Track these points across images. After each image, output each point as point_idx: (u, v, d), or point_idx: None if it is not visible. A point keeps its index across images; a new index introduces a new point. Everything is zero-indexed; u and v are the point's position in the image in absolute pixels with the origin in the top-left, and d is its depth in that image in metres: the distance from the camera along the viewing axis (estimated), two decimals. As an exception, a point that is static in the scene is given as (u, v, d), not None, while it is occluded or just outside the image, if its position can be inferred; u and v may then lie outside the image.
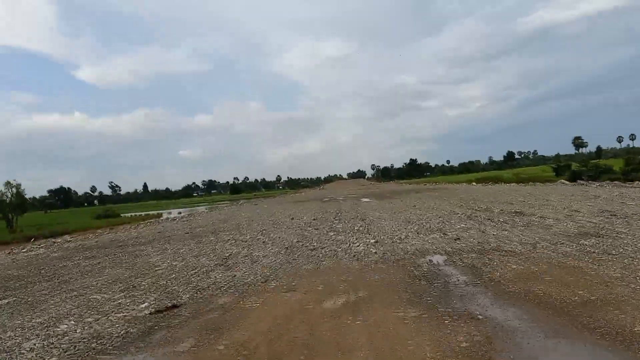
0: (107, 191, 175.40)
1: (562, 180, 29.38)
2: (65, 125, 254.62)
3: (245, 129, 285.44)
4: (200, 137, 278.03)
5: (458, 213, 13.29)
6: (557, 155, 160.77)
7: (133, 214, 47.98)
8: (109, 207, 58.06)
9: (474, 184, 37.56)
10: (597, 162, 37.50)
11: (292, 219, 16.15)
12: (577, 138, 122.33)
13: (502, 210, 13.16)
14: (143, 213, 47.33)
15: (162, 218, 30.80)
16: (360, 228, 11.75)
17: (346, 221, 13.83)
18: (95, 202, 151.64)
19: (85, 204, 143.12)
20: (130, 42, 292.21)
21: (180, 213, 36.85)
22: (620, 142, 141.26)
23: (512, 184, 31.41)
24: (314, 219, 15.23)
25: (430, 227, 10.89)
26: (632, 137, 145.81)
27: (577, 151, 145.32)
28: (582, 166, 34.22)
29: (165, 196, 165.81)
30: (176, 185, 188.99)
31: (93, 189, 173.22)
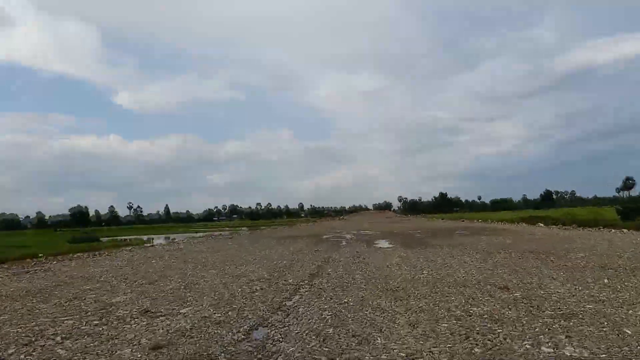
0: (126, 212, 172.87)
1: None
2: (100, 147, 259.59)
3: (274, 157, 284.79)
4: (229, 163, 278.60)
5: None
6: (595, 197, 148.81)
7: (122, 238, 41.53)
8: (93, 229, 52.09)
9: (540, 224, 28.96)
10: None
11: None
12: (629, 179, 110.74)
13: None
14: (133, 237, 40.81)
15: (128, 248, 23.76)
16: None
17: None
18: (103, 224, 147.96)
19: (103, 224, 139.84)
20: (167, 70, 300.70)
21: (170, 239, 30.51)
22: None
23: (572, 229, 22.99)
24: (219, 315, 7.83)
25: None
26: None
27: (617, 194, 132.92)
28: None
29: (185, 220, 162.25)
30: (200, 209, 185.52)
31: (111, 208, 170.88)
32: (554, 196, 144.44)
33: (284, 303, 6.42)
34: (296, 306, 6.16)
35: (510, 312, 5.25)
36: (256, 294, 7.15)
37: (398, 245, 15.85)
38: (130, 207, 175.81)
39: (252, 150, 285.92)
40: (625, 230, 19.83)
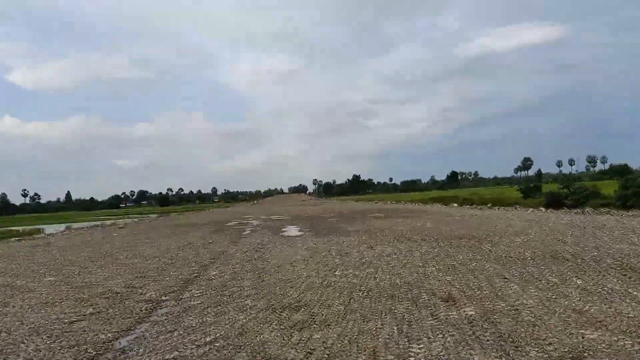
0: (20, 200, 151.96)
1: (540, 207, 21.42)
2: None
3: (186, 140, 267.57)
4: (138, 146, 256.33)
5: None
6: (496, 178, 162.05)
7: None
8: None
9: (454, 205, 28.69)
10: (582, 183, 30.23)
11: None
12: (527, 159, 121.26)
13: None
14: (21, 228, 33.78)
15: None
16: None
17: None
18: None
19: None
20: (67, 45, 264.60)
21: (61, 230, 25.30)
22: (559, 167, 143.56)
23: (487, 209, 22.89)
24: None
25: None
26: (572, 162, 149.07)
27: (515, 174, 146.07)
28: (563, 187, 26.57)
29: (89, 207, 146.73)
30: (106, 195, 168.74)
31: (3, 195, 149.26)
32: (459, 177, 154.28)
33: (110, 344, 3.82)
34: (127, 351, 3.60)
35: (474, 355, 3.17)
36: (76, 325, 4.43)
37: (308, 232, 13.72)
38: (25, 194, 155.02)
39: (163, 132, 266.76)
40: (543, 209, 19.79)
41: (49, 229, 32.02)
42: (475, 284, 5.34)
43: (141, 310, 4.91)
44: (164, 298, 5.47)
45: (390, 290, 5.21)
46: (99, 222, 34.60)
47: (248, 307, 4.80)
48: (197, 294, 5.60)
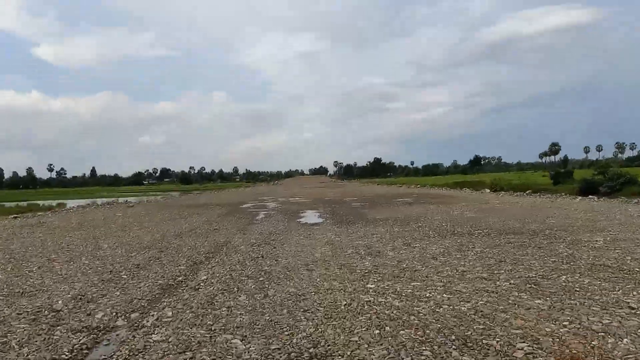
0: (46, 174, 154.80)
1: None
2: (21, 104, 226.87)
3: (210, 119, 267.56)
4: (162, 124, 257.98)
5: None
6: (519, 163, 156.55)
7: (22, 202, 33.54)
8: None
9: (486, 190, 26.24)
10: (619, 169, 27.53)
11: None
12: (554, 144, 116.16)
13: None
14: (42, 202, 32.93)
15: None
16: None
17: None
18: (21, 186, 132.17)
19: (21, 187, 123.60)
20: (94, 23, 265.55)
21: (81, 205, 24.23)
22: (587, 153, 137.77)
23: (526, 196, 20.50)
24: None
25: None
26: (599, 148, 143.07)
27: (540, 159, 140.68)
28: (598, 174, 24.07)
29: (112, 183, 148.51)
30: (130, 172, 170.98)
31: (29, 170, 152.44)
32: (482, 162, 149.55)
33: None
34: None
35: None
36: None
37: (329, 219, 11.89)
38: (51, 169, 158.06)
39: (186, 111, 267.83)
40: (595, 198, 17.45)
41: (71, 203, 31.11)
42: (593, 320, 3.40)
43: (70, 351, 3.16)
44: (117, 323, 3.73)
45: (458, 329, 3.32)
46: (112, 199, 33.68)
47: (234, 354, 3.00)
48: (166, 318, 3.83)
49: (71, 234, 9.91)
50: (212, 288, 4.79)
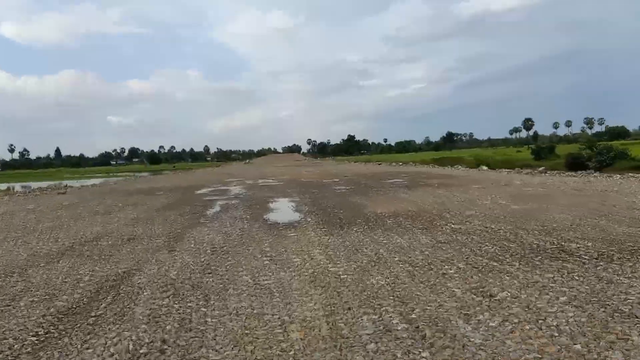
0: (7, 155, 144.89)
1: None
2: None
3: (182, 97, 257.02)
4: (131, 103, 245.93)
5: None
6: (490, 139, 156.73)
7: None
8: None
9: (484, 167, 23.75)
10: (608, 143, 26.75)
11: None
12: (528, 120, 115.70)
13: None
14: None
15: None
16: None
17: None
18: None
19: None
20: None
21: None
22: (556, 129, 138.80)
23: (538, 174, 17.81)
24: None
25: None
26: (568, 124, 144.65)
27: (510, 135, 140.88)
28: (586, 148, 22.81)
29: (77, 163, 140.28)
30: (97, 152, 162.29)
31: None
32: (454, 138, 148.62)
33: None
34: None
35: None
36: None
37: (310, 215, 8.39)
38: (12, 150, 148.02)
39: (158, 90, 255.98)
40: (596, 174, 14.77)
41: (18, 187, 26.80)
42: None
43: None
44: None
45: None
46: (60, 182, 29.36)
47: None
48: None
49: None
50: None
